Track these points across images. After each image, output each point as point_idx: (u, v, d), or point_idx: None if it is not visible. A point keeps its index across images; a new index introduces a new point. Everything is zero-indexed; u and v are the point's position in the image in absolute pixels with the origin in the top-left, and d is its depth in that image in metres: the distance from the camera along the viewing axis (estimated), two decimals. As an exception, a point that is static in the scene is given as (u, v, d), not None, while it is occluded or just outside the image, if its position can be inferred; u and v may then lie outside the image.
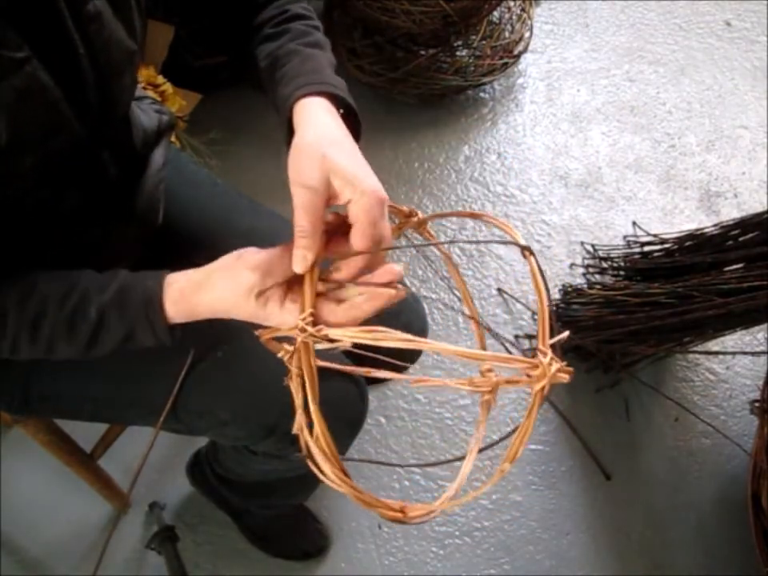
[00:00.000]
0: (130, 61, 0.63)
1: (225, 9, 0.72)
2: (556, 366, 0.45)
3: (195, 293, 0.57)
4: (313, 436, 0.47)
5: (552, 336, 0.47)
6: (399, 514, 0.47)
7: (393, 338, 0.46)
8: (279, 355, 0.50)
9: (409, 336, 0.46)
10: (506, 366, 0.46)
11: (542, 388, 0.45)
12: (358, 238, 0.53)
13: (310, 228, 0.52)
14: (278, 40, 0.67)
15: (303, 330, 0.49)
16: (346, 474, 0.47)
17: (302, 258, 0.52)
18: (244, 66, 0.73)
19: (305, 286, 0.52)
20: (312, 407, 0.48)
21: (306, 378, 0.48)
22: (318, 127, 0.58)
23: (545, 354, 0.46)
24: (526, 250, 0.52)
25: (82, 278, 0.59)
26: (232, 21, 0.72)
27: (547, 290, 0.50)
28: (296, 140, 0.57)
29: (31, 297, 0.57)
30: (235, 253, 0.56)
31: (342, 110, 0.62)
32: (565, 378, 0.45)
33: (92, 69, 0.57)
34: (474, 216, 0.61)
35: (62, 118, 0.56)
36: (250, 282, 0.53)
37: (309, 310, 0.50)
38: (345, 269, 0.53)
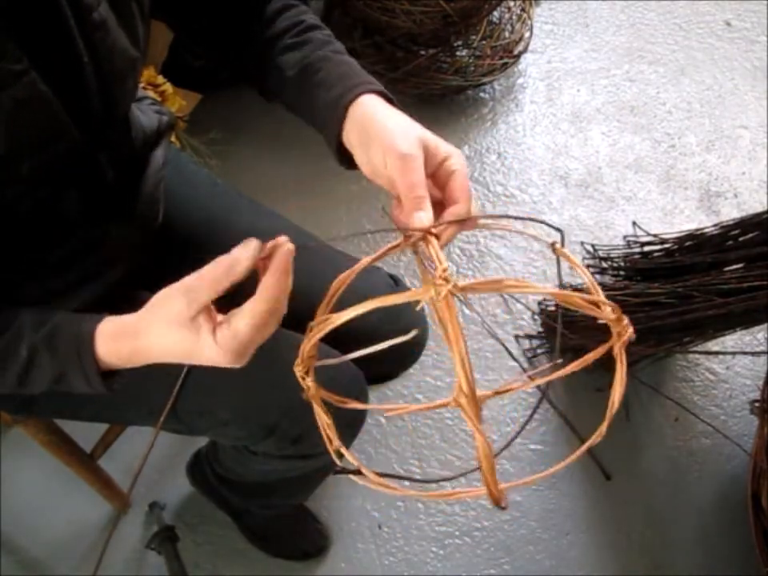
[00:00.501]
0: (133, 67, 0.63)
1: (232, 19, 0.71)
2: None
3: (130, 337, 0.53)
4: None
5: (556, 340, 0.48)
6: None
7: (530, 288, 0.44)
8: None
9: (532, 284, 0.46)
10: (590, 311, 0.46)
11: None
12: (457, 190, 0.56)
13: (419, 182, 0.53)
14: (302, 49, 0.67)
15: (446, 281, 0.45)
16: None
17: (419, 218, 0.52)
18: (244, 74, 0.73)
19: (431, 247, 0.50)
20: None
21: (453, 340, 0.44)
22: (388, 112, 0.59)
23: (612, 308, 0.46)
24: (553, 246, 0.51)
25: (21, 315, 0.57)
26: (239, 32, 0.71)
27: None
28: (380, 124, 0.57)
29: None
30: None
31: None
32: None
33: (95, 76, 0.57)
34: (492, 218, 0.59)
35: (62, 126, 0.56)
36: (178, 306, 0.49)
37: (444, 264, 0.46)
38: (446, 231, 0.55)
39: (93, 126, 0.60)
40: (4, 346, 0.56)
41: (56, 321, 0.56)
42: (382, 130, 0.56)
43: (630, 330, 0.46)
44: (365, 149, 0.58)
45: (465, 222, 0.56)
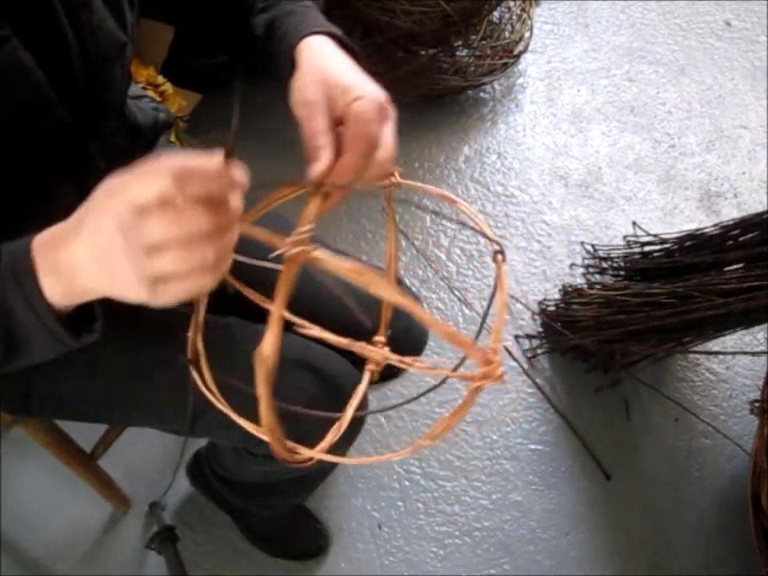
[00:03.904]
0: (121, 52, 0.63)
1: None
2: (500, 370, 0.46)
3: (64, 241, 0.43)
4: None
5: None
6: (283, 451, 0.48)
7: (380, 285, 0.44)
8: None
9: (401, 297, 0.45)
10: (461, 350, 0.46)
11: (480, 386, 0.47)
12: (348, 138, 0.51)
13: (317, 131, 0.51)
14: (271, 9, 0.68)
15: (298, 243, 0.45)
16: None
17: (312, 168, 0.50)
18: (247, 56, 0.74)
19: (310, 200, 0.50)
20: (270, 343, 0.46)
21: (282, 294, 0.45)
22: (321, 51, 0.59)
23: (495, 354, 0.46)
24: (497, 252, 0.50)
25: None
26: (228, 11, 0.72)
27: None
28: (299, 66, 0.58)
29: None
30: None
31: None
32: (502, 381, 0.47)
33: (80, 55, 0.58)
34: (448, 200, 0.56)
35: (46, 100, 0.56)
36: (131, 201, 0.39)
37: (310, 225, 0.48)
38: (336, 173, 0.51)
39: (79, 108, 0.60)
40: None
41: None
42: (300, 68, 0.57)
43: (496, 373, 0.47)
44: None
45: (356, 180, 0.53)
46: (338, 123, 0.53)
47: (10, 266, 0.44)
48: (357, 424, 0.81)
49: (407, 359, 0.51)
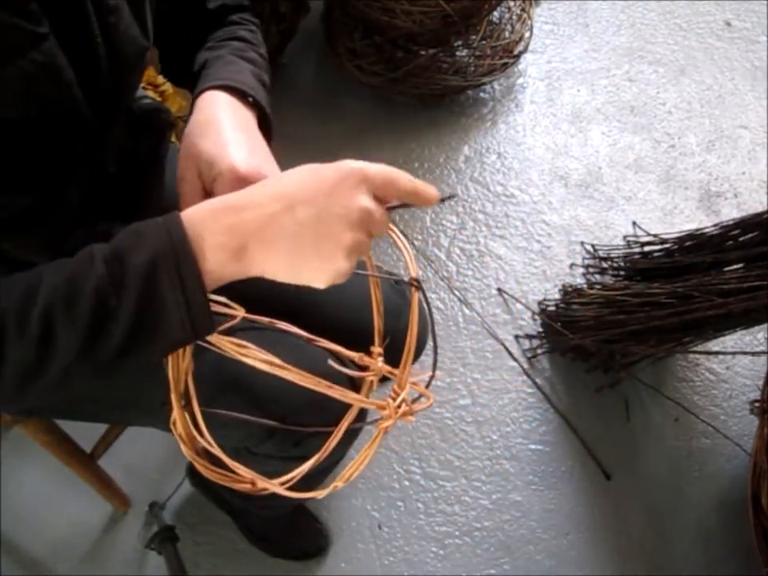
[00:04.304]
0: (142, 57, 0.64)
1: (179, 29, 0.75)
2: (403, 409, 0.49)
3: (236, 212, 0.47)
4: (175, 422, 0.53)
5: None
6: (248, 486, 0.54)
7: (257, 358, 0.49)
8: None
9: (274, 360, 0.49)
10: (357, 402, 0.50)
11: (386, 427, 0.50)
12: None
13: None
14: (213, 50, 0.71)
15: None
16: (199, 453, 0.54)
17: None
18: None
19: None
20: (173, 396, 0.53)
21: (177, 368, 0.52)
22: (199, 114, 0.62)
23: (395, 397, 0.49)
24: (413, 284, 0.51)
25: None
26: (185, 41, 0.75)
27: (434, 335, 0.53)
28: (190, 128, 0.61)
29: (20, 281, 0.47)
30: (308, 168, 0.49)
31: (258, 112, 0.67)
32: (411, 420, 0.50)
33: (108, 59, 0.58)
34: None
35: (74, 101, 0.56)
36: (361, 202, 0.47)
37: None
38: None
39: (101, 110, 0.60)
40: (72, 271, 0.46)
41: (130, 227, 0.47)
42: (184, 134, 0.60)
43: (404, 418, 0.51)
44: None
45: None
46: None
47: (162, 228, 0.46)
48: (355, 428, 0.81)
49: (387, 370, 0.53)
